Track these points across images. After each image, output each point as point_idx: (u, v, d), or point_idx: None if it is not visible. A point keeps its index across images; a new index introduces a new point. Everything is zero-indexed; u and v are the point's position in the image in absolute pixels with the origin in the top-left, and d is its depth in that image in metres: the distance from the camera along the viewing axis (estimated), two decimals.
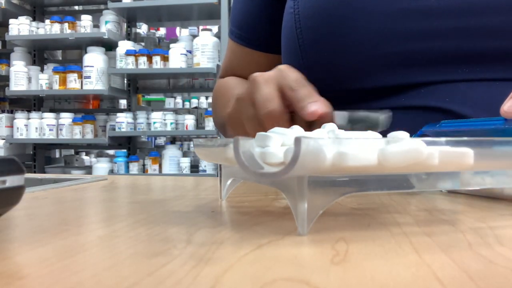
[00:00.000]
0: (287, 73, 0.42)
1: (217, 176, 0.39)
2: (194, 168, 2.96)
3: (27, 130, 3.00)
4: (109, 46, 3.03)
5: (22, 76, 3.01)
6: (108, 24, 2.99)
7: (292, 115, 0.42)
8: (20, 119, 3.02)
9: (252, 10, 0.69)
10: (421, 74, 0.51)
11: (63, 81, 2.96)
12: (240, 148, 0.23)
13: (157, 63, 2.80)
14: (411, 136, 0.28)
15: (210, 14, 2.97)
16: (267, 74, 0.43)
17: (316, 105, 0.39)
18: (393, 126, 0.52)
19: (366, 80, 0.54)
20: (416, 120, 0.51)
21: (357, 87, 0.55)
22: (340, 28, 0.53)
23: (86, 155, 3.89)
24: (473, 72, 0.50)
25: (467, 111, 0.49)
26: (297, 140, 0.21)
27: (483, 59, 0.50)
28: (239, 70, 0.73)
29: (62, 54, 3.72)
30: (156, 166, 2.91)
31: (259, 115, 0.41)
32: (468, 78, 0.50)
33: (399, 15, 0.51)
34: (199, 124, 2.98)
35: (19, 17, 3.02)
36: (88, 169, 3.24)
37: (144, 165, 2.97)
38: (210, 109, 3.02)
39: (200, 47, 2.73)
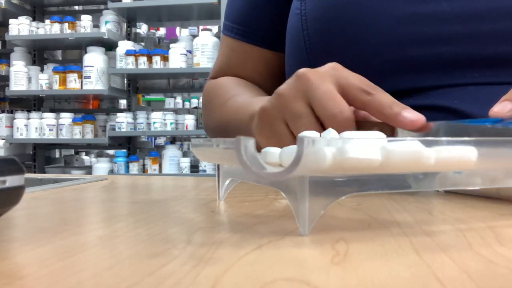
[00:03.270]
0: (347, 73, 0.38)
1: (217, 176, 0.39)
2: (194, 168, 2.96)
3: (27, 130, 3.00)
4: (109, 46, 3.03)
5: (22, 76, 3.01)
6: (108, 24, 2.99)
7: (357, 121, 0.38)
8: (20, 119, 3.03)
9: (256, 5, 0.67)
10: (431, 79, 0.51)
11: (63, 81, 2.96)
12: (242, 148, 0.23)
13: (157, 63, 2.80)
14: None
15: (210, 14, 2.97)
16: (319, 70, 0.40)
17: (411, 113, 0.35)
18: None
19: (374, 84, 0.53)
20: None
21: None
22: (348, 31, 0.52)
23: (86, 155, 3.89)
24: (484, 76, 0.50)
25: (475, 110, 0.48)
26: (300, 140, 0.21)
27: (494, 64, 0.50)
28: (240, 69, 0.70)
29: (62, 54, 3.72)
30: (156, 166, 2.91)
31: (321, 115, 0.37)
32: (478, 82, 0.50)
33: (410, 19, 0.50)
34: (199, 124, 2.99)
35: (19, 17, 3.02)
36: (88, 169, 3.24)
37: (144, 165, 2.97)
38: None
39: (200, 47, 2.73)
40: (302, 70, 0.40)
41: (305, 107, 0.39)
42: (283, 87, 0.41)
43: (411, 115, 0.35)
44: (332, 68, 0.39)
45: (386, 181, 0.25)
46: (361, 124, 0.39)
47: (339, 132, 0.37)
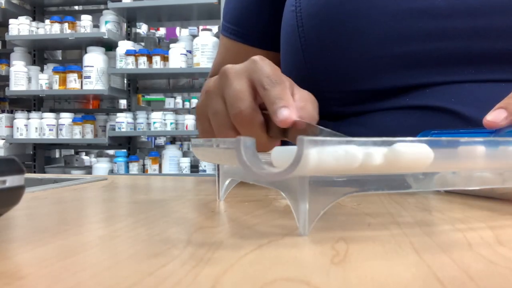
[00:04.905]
0: (260, 66, 0.38)
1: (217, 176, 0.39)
2: (194, 168, 2.96)
3: (27, 130, 3.00)
4: (109, 46, 3.03)
5: (22, 76, 3.01)
6: (108, 24, 2.99)
7: (266, 115, 0.38)
8: (20, 119, 3.03)
9: (250, 5, 0.67)
10: (427, 75, 0.51)
11: (63, 81, 2.96)
12: (242, 148, 0.23)
13: (157, 63, 2.80)
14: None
15: (210, 14, 2.97)
16: (238, 66, 0.40)
17: (288, 110, 0.34)
18: (396, 126, 0.52)
19: (370, 81, 0.53)
20: (419, 120, 0.50)
21: (361, 88, 0.54)
22: (344, 28, 0.52)
23: (86, 155, 3.89)
24: (480, 73, 0.50)
25: (472, 111, 0.48)
26: (300, 140, 0.21)
27: (491, 60, 0.50)
28: None
29: (62, 54, 3.72)
30: (156, 166, 2.91)
31: (229, 114, 0.38)
32: (475, 79, 0.50)
33: (406, 15, 0.50)
34: None
35: (19, 17, 3.02)
36: (88, 169, 3.24)
37: (144, 165, 2.97)
38: None
39: (200, 47, 2.73)
40: (225, 67, 0.40)
41: (221, 104, 0.39)
42: (209, 84, 0.41)
43: (284, 113, 0.34)
44: (252, 62, 0.39)
45: (386, 181, 0.25)
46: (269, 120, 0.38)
47: (242, 131, 0.38)
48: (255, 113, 0.37)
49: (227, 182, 0.37)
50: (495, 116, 0.35)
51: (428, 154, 0.23)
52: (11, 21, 3.01)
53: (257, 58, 0.39)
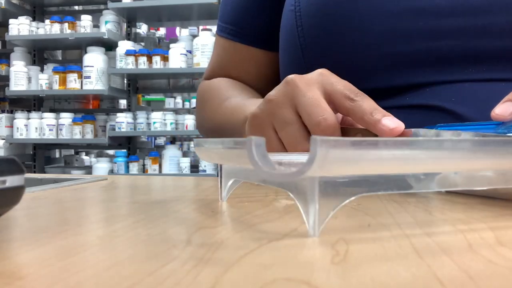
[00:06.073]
0: (334, 79, 0.39)
1: (217, 176, 0.39)
2: (194, 168, 2.96)
3: (27, 130, 3.00)
4: (109, 46, 3.04)
5: (22, 76, 3.01)
6: (108, 24, 2.99)
7: (343, 127, 0.39)
8: (20, 119, 3.03)
9: (248, 5, 0.67)
10: (427, 74, 0.51)
11: (63, 81, 2.97)
12: (253, 148, 0.23)
13: (157, 63, 2.81)
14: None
15: (210, 14, 2.98)
16: (306, 76, 0.40)
17: (393, 121, 0.35)
18: None
19: (370, 80, 0.52)
20: (419, 119, 0.50)
21: (360, 87, 0.54)
22: (344, 27, 0.52)
23: (86, 155, 3.89)
24: (479, 72, 0.50)
25: (471, 111, 0.48)
26: (313, 141, 0.21)
27: (490, 59, 0.50)
28: (232, 69, 0.70)
29: (62, 54, 3.72)
30: (156, 166, 2.91)
31: (307, 122, 0.38)
32: (474, 78, 0.50)
33: (406, 14, 0.50)
34: None
35: (19, 17, 3.03)
36: (88, 169, 3.24)
37: (144, 165, 2.97)
38: None
39: (200, 47, 2.73)
40: (291, 76, 0.40)
41: (293, 113, 0.39)
42: (273, 93, 0.42)
43: (390, 122, 0.36)
44: (320, 74, 0.40)
45: (395, 181, 0.24)
46: (346, 130, 0.39)
47: None
48: (337, 122, 0.38)
49: (230, 182, 0.37)
50: (503, 109, 0.35)
51: None
52: (11, 21, 3.02)
53: (324, 71, 0.40)
